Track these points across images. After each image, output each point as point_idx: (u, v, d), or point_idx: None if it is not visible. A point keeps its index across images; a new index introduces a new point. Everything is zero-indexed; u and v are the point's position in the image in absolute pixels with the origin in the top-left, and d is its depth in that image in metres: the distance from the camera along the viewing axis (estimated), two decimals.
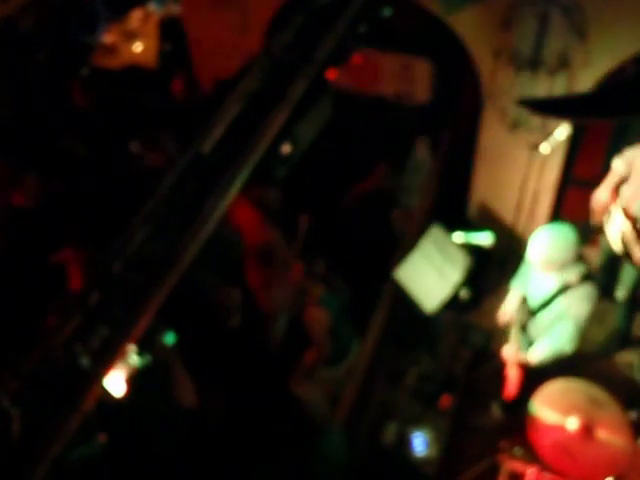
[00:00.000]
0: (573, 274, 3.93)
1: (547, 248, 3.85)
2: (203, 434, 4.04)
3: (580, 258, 3.95)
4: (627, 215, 4.58)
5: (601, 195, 4.68)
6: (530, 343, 4.24)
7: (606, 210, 4.70)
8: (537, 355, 4.11)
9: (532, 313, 4.21)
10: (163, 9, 7.93)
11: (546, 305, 4.07)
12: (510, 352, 4.18)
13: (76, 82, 6.25)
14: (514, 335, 4.21)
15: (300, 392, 4.64)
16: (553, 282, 4.01)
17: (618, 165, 4.61)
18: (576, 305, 3.93)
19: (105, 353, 2.42)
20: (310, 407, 4.61)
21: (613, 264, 5.15)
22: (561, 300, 3.98)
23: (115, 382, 2.60)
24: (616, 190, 4.66)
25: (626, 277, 5.05)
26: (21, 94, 6.53)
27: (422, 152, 5.91)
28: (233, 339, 4.51)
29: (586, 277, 3.95)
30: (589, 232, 5.25)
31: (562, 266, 3.88)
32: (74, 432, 2.27)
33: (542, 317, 4.13)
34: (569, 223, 4.00)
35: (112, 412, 3.04)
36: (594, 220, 4.83)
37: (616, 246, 4.72)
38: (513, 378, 4.18)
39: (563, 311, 3.97)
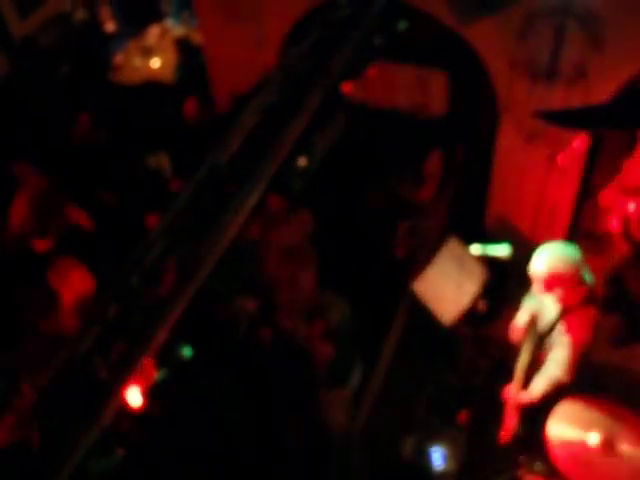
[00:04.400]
0: (576, 295, 3.83)
1: (549, 263, 3.74)
2: (222, 445, 4.04)
3: (582, 280, 3.83)
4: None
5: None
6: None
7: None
8: (534, 393, 4.03)
9: (539, 344, 4.13)
10: (180, 26, 8.03)
11: (550, 331, 4.00)
12: (512, 393, 4.12)
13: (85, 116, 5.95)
14: (519, 373, 4.13)
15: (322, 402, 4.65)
16: (555, 305, 3.94)
17: None
18: (574, 330, 3.83)
19: (124, 366, 2.43)
20: (329, 418, 4.61)
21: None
22: (560, 324, 3.90)
23: (134, 395, 2.61)
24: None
25: None
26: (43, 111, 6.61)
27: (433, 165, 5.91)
28: (245, 350, 4.53)
29: (589, 300, 3.84)
30: (602, 242, 5.23)
31: (564, 285, 3.77)
32: (93, 444, 2.27)
33: (546, 347, 4.06)
34: (574, 242, 3.95)
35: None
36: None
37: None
38: (511, 418, 4.14)
39: (561, 336, 3.89)
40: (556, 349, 3.93)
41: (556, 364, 3.91)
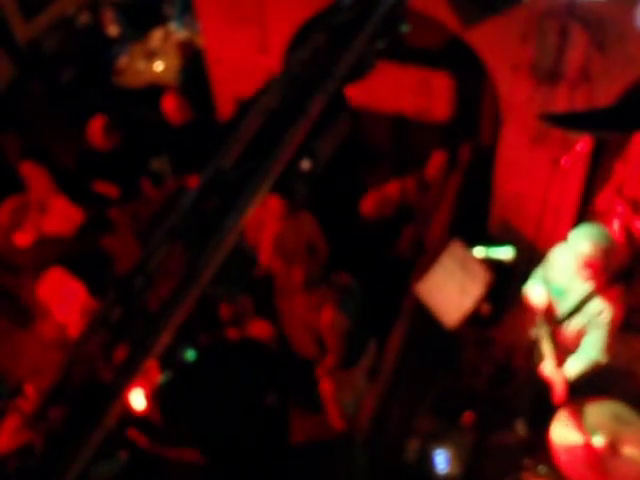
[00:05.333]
0: (603, 277, 3.86)
1: (594, 244, 3.72)
2: (224, 444, 4.04)
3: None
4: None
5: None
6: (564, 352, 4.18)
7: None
8: (573, 371, 4.05)
9: (561, 321, 4.14)
10: (183, 29, 8.04)
11: (577, 310, 4.01)
12: (549, 369, 4.12)
13: (98, 120, 5.80)
14: (547, 350, 4.14)
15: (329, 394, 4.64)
16: (583, 286, 3.95)
17: None
18: (610, 307, 3.87)
19: (127, 370, 2.43)
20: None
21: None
22: (594, 303, 3.92)
23: (138, 398, 2.62)
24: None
25: None
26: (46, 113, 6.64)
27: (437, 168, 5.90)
28: (244, 346, 4.53)
29: (614, 280, 3.89)
30: None
31: (602, 266, 3.78)
32: (97, 448, 2.27)
33: (574, 322, 4.08)
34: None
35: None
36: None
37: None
38: (559, 386, 4.10)
39: (597, 313, 3.90)
40: (591, 331, 3.95)
41: (593, 346, 3.95)
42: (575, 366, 4.04)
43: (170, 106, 5.83)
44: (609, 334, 3.89)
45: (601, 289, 3.89)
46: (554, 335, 4.18)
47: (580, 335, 4.03)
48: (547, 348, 4.14)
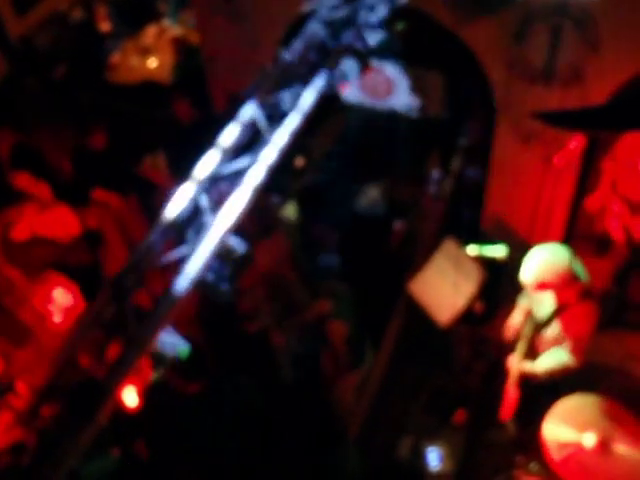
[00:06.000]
0: (571, 293, 3.88)
1: (538, 270, 3.81)
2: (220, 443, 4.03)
3: (578, 277, 3.90)
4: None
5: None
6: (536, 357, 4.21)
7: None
8: (541, 366, 4.08)
9: (537, 329, 4.17)
10: (177, 25, 8.01)
11: (547, 323, 4.05)
12: (514, 363, 4.16)
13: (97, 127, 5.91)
14: (520, 346, 4.18)
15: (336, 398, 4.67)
16: (552, 301, 3.97)
17: None
18: (575, 325, 3.90)
19: (120, 367, 2.43)
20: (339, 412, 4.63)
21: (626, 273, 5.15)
22: (560, 320, 3.96)
23: (130, 395, 2.61)
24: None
25: None
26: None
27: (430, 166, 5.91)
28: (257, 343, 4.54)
29: (585, 295, 3.90)
30: (601, 244, 5.24)
31: (556, 287, 3.83)
32: (89, 445, 2.27)
33: (545, 334, 4.11)
34: (562, 243, 3.99)
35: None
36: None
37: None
38: (511, 396, 4.16)
39: (562, 331, 3.94)
40: (560, 343, 4.00)
41: (565, 351, 3.99)
42: (544, 362, 4.09)
43: (183, 110, 5.93)
44: (575, 347, 3.93)
45: (567, 304, 3.91)
46: (533, 341, 4.20)
47: (555, 343, 4.05)
48: (521, 346, 4.18)
